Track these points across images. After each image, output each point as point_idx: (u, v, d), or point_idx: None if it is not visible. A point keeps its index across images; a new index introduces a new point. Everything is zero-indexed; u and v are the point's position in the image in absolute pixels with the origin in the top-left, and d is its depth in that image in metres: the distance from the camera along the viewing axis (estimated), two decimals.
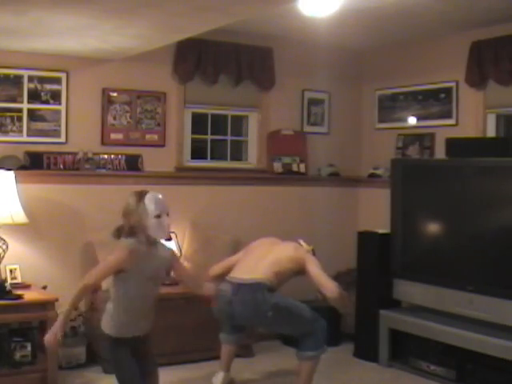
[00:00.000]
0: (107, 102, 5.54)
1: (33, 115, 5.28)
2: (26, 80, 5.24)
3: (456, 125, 5.81)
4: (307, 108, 6.42)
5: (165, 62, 5.69)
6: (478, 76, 5.53)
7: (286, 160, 6.28)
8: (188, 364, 5.22)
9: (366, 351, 5.57)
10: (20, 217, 4.88)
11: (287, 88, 6.25)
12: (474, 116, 5.67)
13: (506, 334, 4.66)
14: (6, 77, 5.18)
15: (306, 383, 4.48)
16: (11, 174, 4.93)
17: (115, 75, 5.56)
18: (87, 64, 5.42)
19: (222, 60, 5.84)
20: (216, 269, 4.79)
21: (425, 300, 5.29)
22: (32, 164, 5.23)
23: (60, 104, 5.37)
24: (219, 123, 6.23)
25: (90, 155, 5.42)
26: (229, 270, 4.68)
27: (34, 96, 5.28)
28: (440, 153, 5.71)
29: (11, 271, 4.99)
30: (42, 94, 5.31)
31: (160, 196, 3.60)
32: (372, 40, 6.18)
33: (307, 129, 6.42)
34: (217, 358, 5.37)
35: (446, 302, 5.09)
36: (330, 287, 4.43)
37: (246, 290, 4.41)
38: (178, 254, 4.90)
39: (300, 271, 4.59)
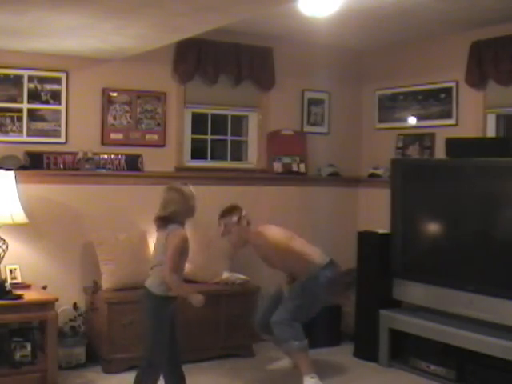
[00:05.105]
0: (107, 101, 5.54)
1: (33, 115, 5.28)
2: (26, 80, 5.24)
3: (456, 125, 5.81)
4: (307, 108, 6.42)
5: (165, 61, 5.69)
6: (478, 76, 5.53)
7: (286, 160, 6.28)
8: (188, 364, 5.21)
9: (366, 351, 5.56)
10: (20, 217, 4.88)
11: (287, 88, 6.25)
12: (474, 116, 5.67)
13: (506, 334, 4.66)
14: (6, 77, 5.18)
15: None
16: (11, 174, 4.93)
17: (115, 75, 5.56)
18: (87, 64, 5.42)
19: (222, 60, 5.84)
20: None
21: (425, 300, 5.29)
22: (32, 164, 5.23)
23: (60, 104, 5.37)
24: (219, 123, 6.23)
25: (89, 155, 5.42)
26: None
27: (33, 96, 5.28)
28: (440, 153, 5.71)
29: (11, 271, 4.99)
30: (42, 94, 5.31)
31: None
32: (372, 40, 6.18)
33: (307, 129, 6.42)
34: (216, 357, 5.38)
35: (446, 302, 5.09)
36: None
37: None
38: None
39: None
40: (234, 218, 4.87)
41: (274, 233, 4.97)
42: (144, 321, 4.18)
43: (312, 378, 4.73)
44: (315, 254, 4.97)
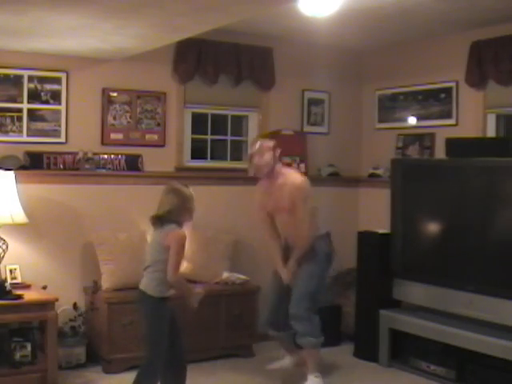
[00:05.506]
0: (107, 102, 5.55)
1: (33, 115, 5.28)
2: (25, 80, 5.24)
3: (456, 125, 5.81)
4: (307, 108, 6.42)
5: (165, 62, 5.69)
6: (478, 76, 5.53)
7: (286, 160, 6.28)
8: (188, 364, 5.21)
9: (366, 351, 5.57)
10: (20, 217, 4.88)
11: (287, 88, 6.25)
12: (474, 116, 5.67)
13: (506, 334, 4.66)
14: (6, 77, 5.18)
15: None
16: (11, 174, 4.93)
17: (115, 75, 5.56)
18: (87, 64, 5.42)
19: (222, 60, 5.84)
20: None
21: (425, 300, 5.29)
22: (32, 164, 5.23)
23: (60, 104, 5.37)
24: (219, 123, 6.23)
25: (89, 155, 5.42)
26: None
27: (34, 96, 5.28)
28: (440, 153, 5.71)
29: (11, 271, 4.99)
30: (42, 94, 5.31)
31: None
32: (372, 40, 6.18)
33: (307, 129, 6.42)
34: (216, 357, 5.39)
35: (445, 301, 5.09)
36: None
37: None
38: None
39: None
40: (272, 142, 4.89)
41: (306, 180, 4.96)
42: (142, 323, 4.18)
43: (316, 377, 4.77)
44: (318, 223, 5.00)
